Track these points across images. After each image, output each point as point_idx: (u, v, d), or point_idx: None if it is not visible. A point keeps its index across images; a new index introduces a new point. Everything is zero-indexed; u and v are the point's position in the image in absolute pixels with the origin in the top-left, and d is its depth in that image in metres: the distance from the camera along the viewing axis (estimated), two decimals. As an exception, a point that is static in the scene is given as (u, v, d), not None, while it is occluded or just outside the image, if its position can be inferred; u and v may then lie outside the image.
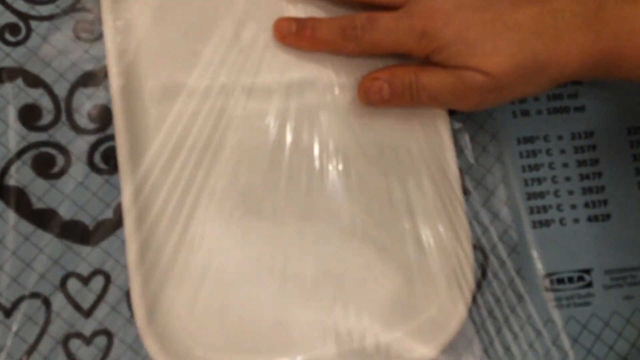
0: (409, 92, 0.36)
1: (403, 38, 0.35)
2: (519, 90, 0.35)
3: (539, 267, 0.38)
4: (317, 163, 0.37)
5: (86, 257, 0.35)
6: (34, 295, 0.34)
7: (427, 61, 0.35)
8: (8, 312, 0.34)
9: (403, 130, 0.37)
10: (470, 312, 0.36)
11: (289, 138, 0.37)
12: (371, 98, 0.36)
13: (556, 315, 0.37)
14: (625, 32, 0.33)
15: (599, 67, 0.34)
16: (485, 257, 0.37)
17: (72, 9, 0.38)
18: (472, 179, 0.39)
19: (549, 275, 0.38)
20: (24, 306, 0.34)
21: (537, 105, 0.40)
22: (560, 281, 0.38)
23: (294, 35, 0.37)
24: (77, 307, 0.35)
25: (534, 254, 0.38)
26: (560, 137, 0.40)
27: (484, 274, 0.37)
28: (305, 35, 0.37)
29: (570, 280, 0.38)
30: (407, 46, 0.35)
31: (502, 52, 0.33)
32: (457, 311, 0.35)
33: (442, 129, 0.37)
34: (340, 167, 0.37)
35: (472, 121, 0.39)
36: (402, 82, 0.36)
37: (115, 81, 0.36)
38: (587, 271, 0.38)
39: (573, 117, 0.40)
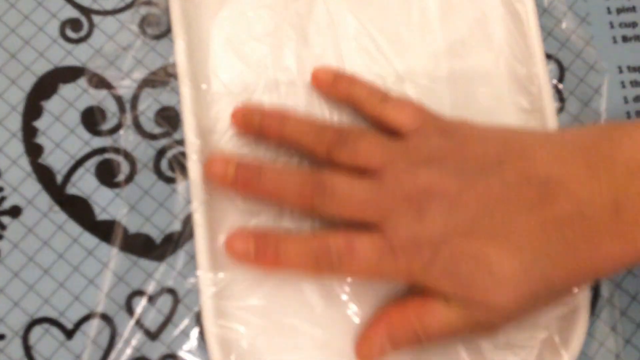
0: (416, 340, 0.30)
1: (388, 273, 0.30)
2: (538, 309, 0.31)
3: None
4: None
5: (152, 274, 0.32)
6: (98, 315, 0.32)
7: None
8: (70, 334, 0.31)
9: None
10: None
11: None
12: (374, 358, 0.31)
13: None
14: None
15: None
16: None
17: (137, 2, 0.35)
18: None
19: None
20: (86, 327, 0.32)
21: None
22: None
23: (253, 256, 0.31)
24: (143, 328, 0.32)
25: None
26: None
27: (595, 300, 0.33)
28: (267, 259, 0.31)
29: None
30: (393, 279, 0.31)
31: (505, 285, 0.28)
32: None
33: None
34: None
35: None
36: (406, 334, 0.30)
37: (185, 81, 0.33)
38: None
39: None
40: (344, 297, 0.32)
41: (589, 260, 0.29)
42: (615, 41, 0.36)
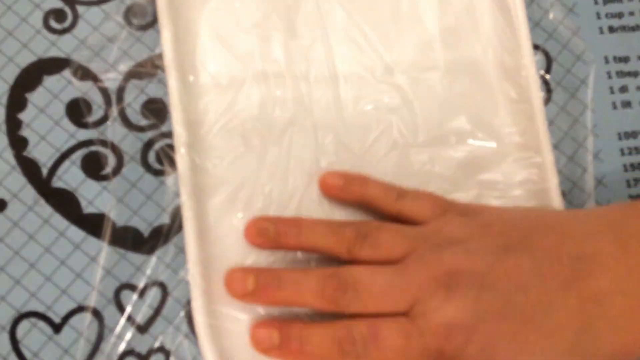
0: None
1: (417, 357, 0.28)
2: None
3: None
4: None
5: (141, 267, 0.32)
6: (85, 308, 0.31)
7: None
8: (58, 328, 0.31)
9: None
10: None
11: None
12: None
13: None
14: None
15: None
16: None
17: (122, -9, 0.35)
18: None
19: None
20: (74, 321, 0.31)
21: None
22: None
23: (277, 349, 0.30)
24: (132, 322, 0.31)
25: None
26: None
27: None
28: (292, 351, 0.29)
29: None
30: None
31: None
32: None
33: None
34: None
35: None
36: None
37: (172, 73, 0.32)
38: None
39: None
40: None
41: (631, 336, 0.28)
42: (602, 32, 0.36)
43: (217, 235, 0.32)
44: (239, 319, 0.31)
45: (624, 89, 0.36)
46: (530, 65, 0.35)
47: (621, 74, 0.36)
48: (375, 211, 0.33)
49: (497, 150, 0.34)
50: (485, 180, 0.34)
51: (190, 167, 0.32)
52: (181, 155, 0.32)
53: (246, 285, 0.30)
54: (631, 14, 0.36)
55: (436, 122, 0.34)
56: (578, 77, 0.36)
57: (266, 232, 0.31)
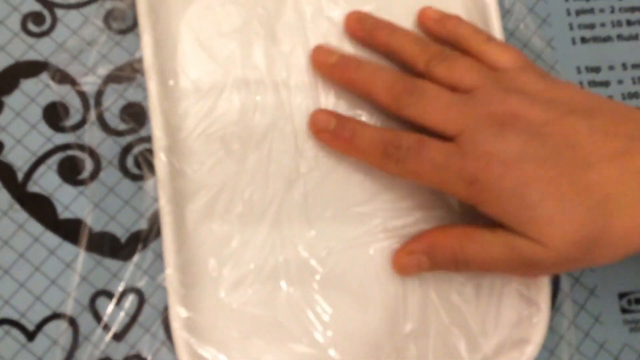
0: (453, 263, 0.31)
1: (450, 179, 0.30)
2: (585, 264, 0.31)
3: (615, 285, 0.34)
4: None
5: (117, 273, 0.32)
6: (60, 316, 0.31)
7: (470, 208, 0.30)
8: (31, 335, 0.30)
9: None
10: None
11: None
12: (409, 272, 0.32)
13: (634, 340, 0.34)
14: None
15: None
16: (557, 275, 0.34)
17: (102, -4, 0.34)
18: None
19: (624, 295, 0.34)
20: (48, 328, 0.31)
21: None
22: (638, 301, 0.34)
23: (330, 134, 0.33)
24: (108, 329, 0.31)
25: (610, 271, 0.34)
26: None
27: (554, 294, 0.34)
28: (343, 138, 0.32)
29: (650, 300, 0.34)
30: (454, 188, 0.30)
31: (569, 221, 0.28)
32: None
33: None
34: None
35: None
36: (444, 255, 0.31)
37: (152, 77, 0.32)
38: (669, 290, 0.35)
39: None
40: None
41: None
42: (574, 42, 0.37)
43: (196, 241, 0.32)
44: (217, 326, 0.31)
45: (596, 99, 0.37)
46: None
47: (593, 83, 0.37)
48: (462, 49, 0.34)
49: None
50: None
51: (170, 172, 0.32)
52: (160, 160, 0.32)
53: (331, 57, 0.33)
54: (602, 25, 0.37)
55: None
56: (552, 86, 0.37)
57: (365, 21, 0.34)
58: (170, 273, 0.31)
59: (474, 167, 0.29)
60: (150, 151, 0.33)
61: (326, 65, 0.34)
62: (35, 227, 0.32)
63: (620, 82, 0.37)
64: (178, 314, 0.30)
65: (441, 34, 0.35)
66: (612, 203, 0.28)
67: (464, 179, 0.29)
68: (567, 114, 0.29)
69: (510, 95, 0.30)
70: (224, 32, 0.34)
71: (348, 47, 0.35)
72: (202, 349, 0.30)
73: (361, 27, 0.34)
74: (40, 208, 0.32)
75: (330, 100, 0.34)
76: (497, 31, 0.35)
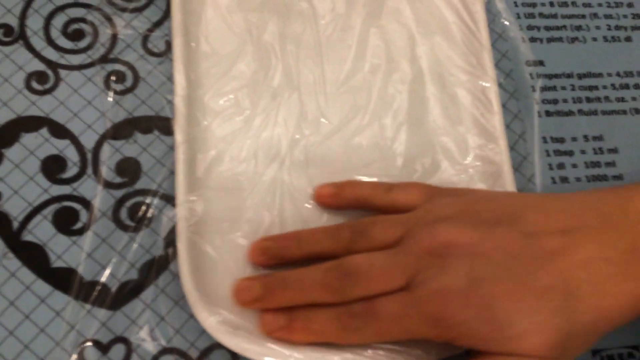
0: None
1: (414, 325, 0.29)
2: (572, 354, 0.30)
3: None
4: None
5: (106, 323, 0.32)
6: (47, 364, 0.31)
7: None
8: (17, 384, 0.30)
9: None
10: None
11: None
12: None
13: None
14: None
15: None
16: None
17: (103, 59, 0.36)
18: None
19: (597, 352, 0.36)
20: (35, 377, 0.31)
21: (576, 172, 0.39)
22: (610, 358, 0.36)
23: (284, 329, 0.31)
24: (94, 378, 0.31)
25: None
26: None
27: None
28: (297, 328, 0.31)
29: (621, 357, 0.36)
30: (420, 333, 0.29)
31: (542, 327, 0.28)
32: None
33: None
34: None
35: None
36: None
37: (177, 36, 0.36)
38: (637, 347, 0.36)
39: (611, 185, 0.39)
40: None
41: (615, 301, 0.29)
42: (540, 115, 0.40)
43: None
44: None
45: (560, 165, 0.39)
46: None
47: (558, 152, 0.40)
48: (371, 209, 0.34)
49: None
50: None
51: (186, 117, 0.35)
52: (179, 108, 0.35)
53: (254, 292, 0.32)
54: (564, 101, 0.41)
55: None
56: (520, 154, 0.40)
57: (269, 250, 0.33)
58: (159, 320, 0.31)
59: (432, 309, 0.29)
60: (143, 204, 0.34)
61: (255, 301, 0.32)
62: (27, 275, 0.32)
63: (583, 152, 0.40)
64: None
65: (342, 205, 0.35)
66: (573, 299, 0.29)
67: (426, 322, 0.29)
68: (495, 226, 0.30)
69: (436, 227, 0.30)
70: (244, 9, 0.39)
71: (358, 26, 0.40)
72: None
73: (270, 255, 0.33)
74: (33, 256, 0.33)
75: (334, 67, 0.39)
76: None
